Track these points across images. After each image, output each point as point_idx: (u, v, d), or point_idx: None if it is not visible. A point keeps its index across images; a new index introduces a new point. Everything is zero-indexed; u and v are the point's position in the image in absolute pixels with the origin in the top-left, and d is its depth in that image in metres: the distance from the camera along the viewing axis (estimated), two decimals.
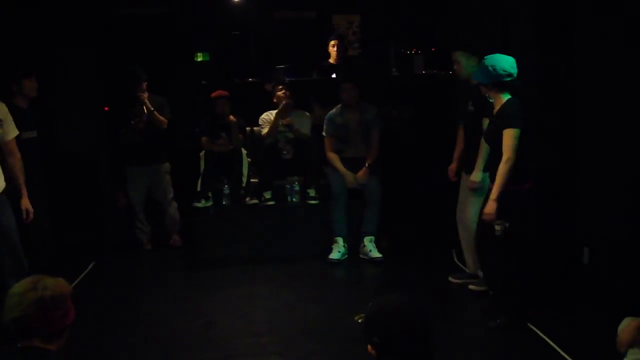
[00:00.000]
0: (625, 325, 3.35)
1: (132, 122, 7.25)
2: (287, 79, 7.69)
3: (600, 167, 5.82)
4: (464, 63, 5.76)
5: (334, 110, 7.22)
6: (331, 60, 8.37)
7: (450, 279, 6.19)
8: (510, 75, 4.88)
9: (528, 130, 4.87)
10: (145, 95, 7.24)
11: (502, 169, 4.78)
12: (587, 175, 6.04)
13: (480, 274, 5.74)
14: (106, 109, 8.00)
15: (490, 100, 5.07)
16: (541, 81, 6.18)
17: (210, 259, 7.05)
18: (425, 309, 2.44)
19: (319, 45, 8.82)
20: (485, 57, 4.99)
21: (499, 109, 4.96)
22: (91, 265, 6.95)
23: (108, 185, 7.84)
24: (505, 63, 4.89)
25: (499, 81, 4.89)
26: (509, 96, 4.95)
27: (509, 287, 5.06)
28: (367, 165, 7.03)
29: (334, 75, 8.15)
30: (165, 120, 7.33)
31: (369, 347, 2.39)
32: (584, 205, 6.11)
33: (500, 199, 4.81)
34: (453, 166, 6.25)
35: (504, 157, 4.76)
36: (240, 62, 8.62)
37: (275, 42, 9.37)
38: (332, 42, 8.40)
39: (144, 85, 7.28)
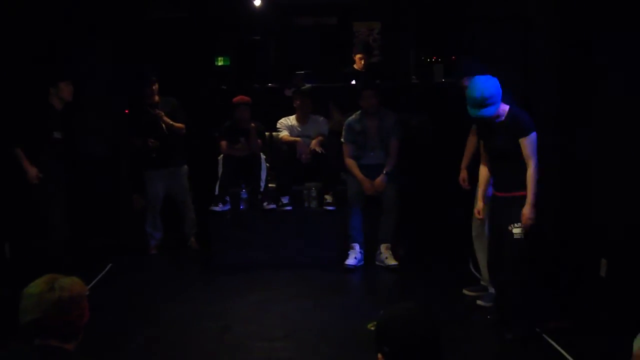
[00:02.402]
0: None
1: (150, 141, 7.23)
2: (307, 85, 7.70)
3: (619, 176, 5.77)
4: None
5: (353, 116, 7.20)
6: (356, 67, 8.66)
7: (464, 291, 6.13)
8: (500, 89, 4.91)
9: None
10: (162, 113, 7.23)
11: (533, 174, 4.89)
12: (604, 185, 5.99)
13: (492, 289, 5.70)
14: (127, 112, 8.05)
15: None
16: (559, 92, 6.15)
17: (227, 263, 7.06)
18: (437, 320, 2.43)
19: (339, 51, 8.89)
20: (474, 90, 4.88)
21: (505, 120, 4.98)
22: (108, 267, 7.00)
23: (126, 187, 7.88)
24: (492, 82, 4.88)
25: (499, 99, 4.92)
26: (508, 105, 4.99)
27: (525, 297, 5.06)
28: (385, 172, 7.01)
29: (353, 82, 8.17)
30: (183, 126, 7.34)
31: (379, 355, 2.40)
32: (601, 216, 6.06)
33: (523, 203, 4.89)
34: (464, 175, 6.21)
35: (531, 163, 4.88)
36: (260, 67, 8.66)
37: (295, 48, 9.42)
38: (359, 56, 9.06)
39: (155, 86, 7.26)
